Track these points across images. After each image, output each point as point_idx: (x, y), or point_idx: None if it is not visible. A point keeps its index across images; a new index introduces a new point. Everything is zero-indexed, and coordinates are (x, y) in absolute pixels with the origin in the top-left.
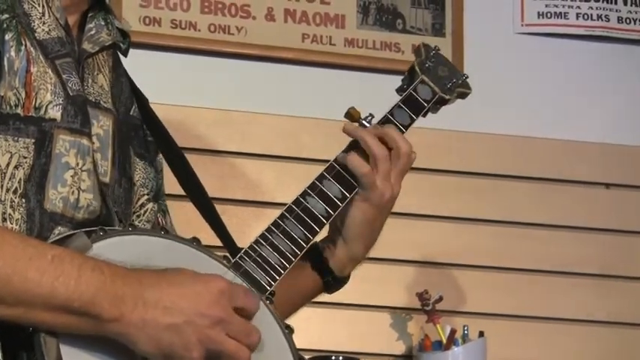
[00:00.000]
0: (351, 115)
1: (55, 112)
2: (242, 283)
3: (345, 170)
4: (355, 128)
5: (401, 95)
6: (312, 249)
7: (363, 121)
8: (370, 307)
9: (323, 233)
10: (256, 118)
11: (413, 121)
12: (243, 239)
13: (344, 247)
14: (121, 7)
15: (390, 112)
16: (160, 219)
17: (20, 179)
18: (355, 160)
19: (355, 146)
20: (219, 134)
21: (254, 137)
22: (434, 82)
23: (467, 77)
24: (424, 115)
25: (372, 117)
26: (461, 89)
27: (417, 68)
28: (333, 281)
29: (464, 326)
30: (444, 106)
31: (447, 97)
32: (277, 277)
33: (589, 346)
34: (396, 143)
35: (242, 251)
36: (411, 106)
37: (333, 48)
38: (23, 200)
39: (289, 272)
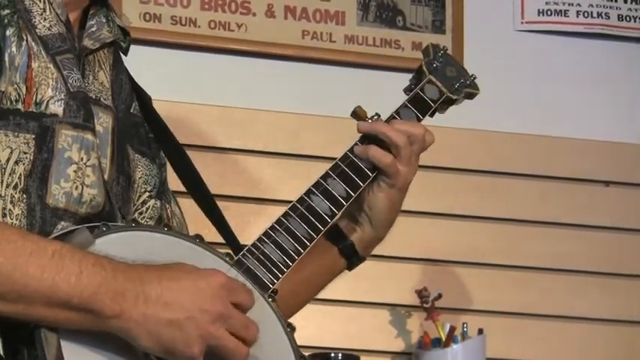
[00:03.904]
0: (358, 114)
1: (56, 108)
2: (244, 281)
3: (350, 169)
4: (371, 125)
5: (408, 95)
6: (336, 233)
7: (369, 120)
8: (369, 304)
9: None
10: (257, 115)
11: (419, 120)
12: (244, 236)
13: (371, 231)
14: (121, 4)
15: (397, 111)
16: (168, 211)
17: (21, 174)
18: (377, 152)
19: (368, 141)
20: (220, 131)
21: (254, 134)
22: (441, 82)
23: (475, 78)
24: (431, 115)
25: (379, 116)
26: (469, 90)
27: (424, 68)
28: (357, 261)
29: (463, 323)
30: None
31: (455, 97)
32: (280, 275)
33: (589, 343)
34: (408, 131)
35: (245, 249)
36: (418, 106)
37: (333, 45)
38: (24, 196)
39: (315, 256)
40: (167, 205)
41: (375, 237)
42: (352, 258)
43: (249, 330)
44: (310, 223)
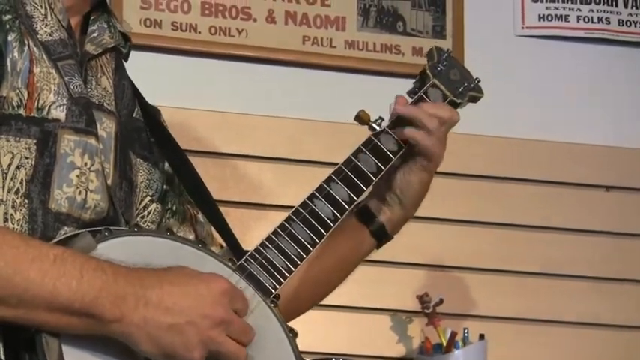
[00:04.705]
0: (361, 117)
1: (58, 113)
2: (247, 286)
3: (354, 173)
4: (408, 108)
5: (412, 98)
6: (366, 214)
7: (373, 124)
8: (371, 309)
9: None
10: (257, 121)
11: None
12: (244, 241)
13: (401, 212)
14: (122, 10)
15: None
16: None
17: (22, 180)
18: (417, 135)
19: (395, 126)
20: (220, 136)
21: (255, 139)
22: (445, 85)
23: (479, 81)
24: None
25: (382, 119)
26: (473, 93)
27: (428, 71)
28: (386, 241)
29: (464, 329)
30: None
31: (459, 100)
32: (282, 280)
33: (589, 349)
34: (437, 114)
35: (248, 253)
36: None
37: (333, 50)
38: (25, 201)
39: (346, 237)
40: (191, 208)
41: (403, 217)
42: (382, 238)
43: (248, 336)
44: (313, 227)
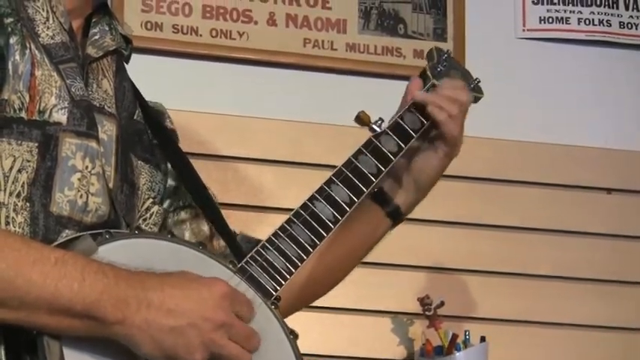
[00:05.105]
0: (361, 119)
1: (60, 116)
2: (247, 288)
3: (354, 174)
4: (425, 95)
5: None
6: (381, 196)
7: (373, 125)
8: (372, 311)
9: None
10: (258, 123)
11: (423, 125)
12: None
13: (416, 194)
14: (123, 12)
15: (400, 116)
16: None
17: (24, 183)
18: (447, 122)
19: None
20: (221, 139)
21: (256, 142)
22: None
23: (479, 81)
24: None
25: (382, 121)
26: (473, 93)
27: (428, 72)
28: (400, 222)
29: (465, 331)
30: None
31: None
32: (283, 282)
33: (590, 351)
34: (456, 98)
35: (248, 256)
36: (422, 111)
37: (334, 53)
38: (27, 204)
39: (363, 222)
40: (188, 211)
41: (417, 199)
42: (397, 219)
43: (251, 340)
44: (313, 229)
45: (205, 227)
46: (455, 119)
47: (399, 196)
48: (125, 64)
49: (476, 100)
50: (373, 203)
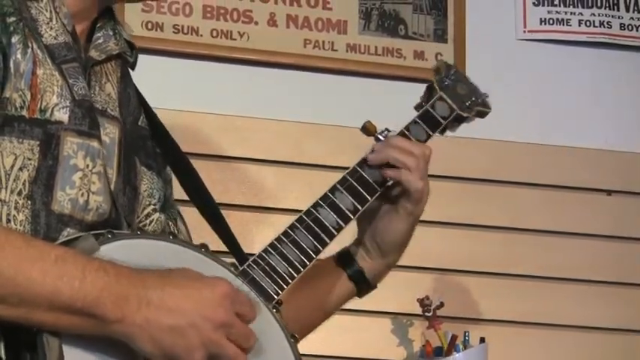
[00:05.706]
0: (367, 129)
1: (61, 115)
2: (249, 291)
3: (359, 183)
4: (382, 153)
5: (418, 111)
6: (346, 257)
7: (379, 135)
8: (371, 312)
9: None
10: (258, 124)
11: (429, 137)
12: (245, 244)
13: (382, 260)
14: (124, 12)
15: (406, 127)
16: (171, 227)
17: (25, 181)
18: (398, 173)
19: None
20: (221, 139)
21: (256, 142)
22: (452, 99)
23: (487, 96)
24: (441, 133)
25: (388, 131)
26: (480, 108)
27: (435, 85)
28: (367, 288)
29: (465, 332)
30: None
31: (465, 115)
32: (285, 287)
33: (590, 352)
34: (410, 151)
35: (251, 259)
36: (428, 123)
37: (334, 54)
38: (28, 202)
39: (324, 280)
40: (172, 223)
41: (385, 265)
42: (361, 284)
43: (249, 341)
44: (316, 235)
45: None
46: (414, 171)
47: (362, 260)
48: (131, 70)
49: (483, 115)
50: (336, 265)
